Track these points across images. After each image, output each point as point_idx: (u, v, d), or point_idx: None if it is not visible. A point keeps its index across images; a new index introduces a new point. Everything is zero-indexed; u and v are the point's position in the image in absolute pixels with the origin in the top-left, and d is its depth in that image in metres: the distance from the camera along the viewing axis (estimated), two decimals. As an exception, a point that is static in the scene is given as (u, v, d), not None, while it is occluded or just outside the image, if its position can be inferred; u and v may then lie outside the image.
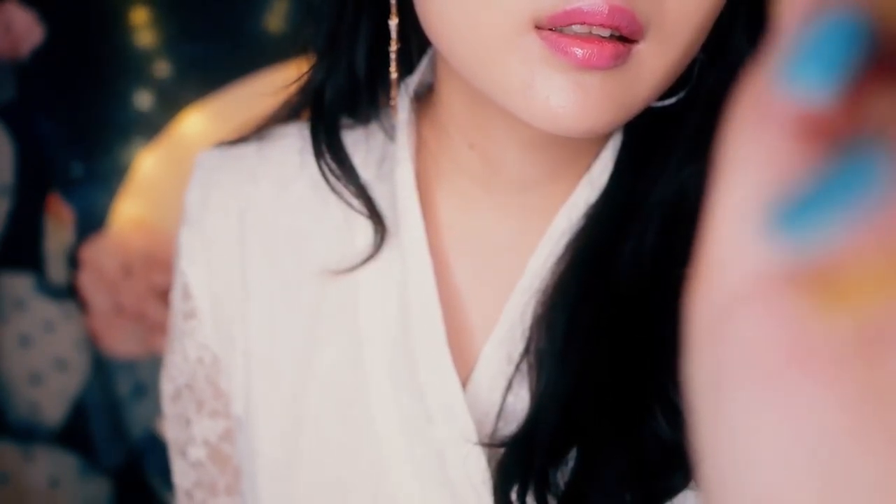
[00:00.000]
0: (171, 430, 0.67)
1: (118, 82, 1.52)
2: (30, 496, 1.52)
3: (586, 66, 0.43)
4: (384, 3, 0.55)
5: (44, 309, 1.53)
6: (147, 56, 1.52)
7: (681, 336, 0.22)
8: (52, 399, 1.54)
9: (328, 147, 0.59)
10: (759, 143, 0.19)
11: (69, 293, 1.54)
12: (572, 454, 0.51)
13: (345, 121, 0.61)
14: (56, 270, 1.54)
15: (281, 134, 0.63)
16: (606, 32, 0.43)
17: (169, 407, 0.66)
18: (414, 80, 0.60)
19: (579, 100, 0.44)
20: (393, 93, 0.57)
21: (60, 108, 1.51)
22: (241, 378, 0.61)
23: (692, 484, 0.50)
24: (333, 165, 0.59)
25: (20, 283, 1.52)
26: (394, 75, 0.56)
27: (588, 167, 0.56)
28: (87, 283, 1.55)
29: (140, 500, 1.58)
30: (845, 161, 0.17)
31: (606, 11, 0.42)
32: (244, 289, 0.61)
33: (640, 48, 0.45)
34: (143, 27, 1.51)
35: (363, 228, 0.59)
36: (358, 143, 0.61)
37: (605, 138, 0.56)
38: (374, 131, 0.61)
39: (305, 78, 0.59)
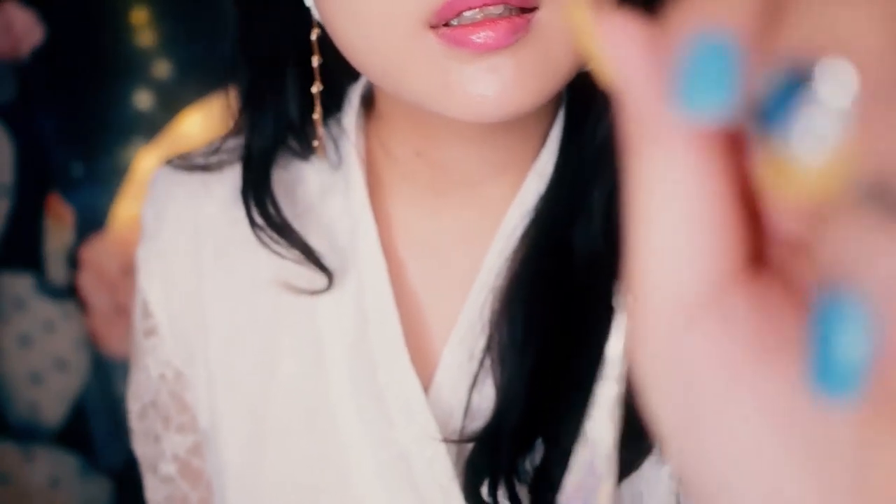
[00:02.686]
0: (140, 447, 0.67)
1: (118, 82, 1.52)
2: (30, 496, 1.53)
3: (487, 49, 0.42)
4: (305, 43, 0.54)
5: (44, 309, 1.53)
6: (147, 56, 1.52)
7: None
8: (52, 399, 1.54)
9: (257, 205, 0.58)
10: (667, 161, 0.19)
11: (69, 293, 1.54)
12: (539, 444, 0.51)
13: (292, 145, 0.60)
14: (56, 270, 1.54)
15: (231, 148, 0.63)
16: (499, 9, 0.42)
17: (136, 424, 0.66)
18: (360, 85, 0.60)
19: (495, 84, 0.43)
20: (319, 132, 0.57)
21: (61, 108, 1.51)
22: (204, 391, 0.61)
23: (655, 451, 0.51)
24: (261, 222, 0.58)
25: (20, 283, 1.52)
26: (316, 116, 0.56)
27: (536, 157, 0.55)
28: (87, 283, 1.55)
29: (140, 500, 1.58)
30: (835, 321, 0.16)
31: None
32: (201, 301, 0.61)
33: (541, 15, 0.43)
34: (143, 27, 1.51)
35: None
36: (301, 170, 0.60)
37: (549, 125, 0.55)
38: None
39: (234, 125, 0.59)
